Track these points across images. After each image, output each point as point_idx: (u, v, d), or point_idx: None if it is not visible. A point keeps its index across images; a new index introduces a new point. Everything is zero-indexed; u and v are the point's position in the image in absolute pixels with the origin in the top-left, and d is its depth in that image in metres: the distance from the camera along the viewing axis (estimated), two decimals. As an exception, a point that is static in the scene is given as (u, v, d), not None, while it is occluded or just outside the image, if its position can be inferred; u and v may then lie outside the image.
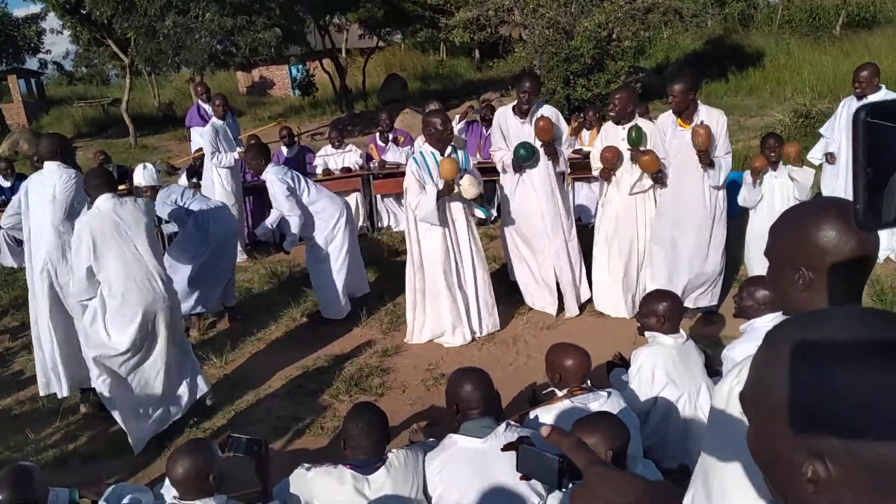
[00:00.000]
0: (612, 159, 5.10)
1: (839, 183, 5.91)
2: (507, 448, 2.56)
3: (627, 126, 5.12)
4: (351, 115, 17.86)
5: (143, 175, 5.75)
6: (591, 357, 3.08)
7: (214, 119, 7.53)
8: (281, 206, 5.50)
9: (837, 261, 1.32)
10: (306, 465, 2.78)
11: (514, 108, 5.43)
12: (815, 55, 17.34)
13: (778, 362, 0.79)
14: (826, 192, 6.11)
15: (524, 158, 5.26)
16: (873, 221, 0.68)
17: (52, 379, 4.57)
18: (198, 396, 4.46)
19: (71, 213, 4.37)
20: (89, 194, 4.16)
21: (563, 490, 2.44)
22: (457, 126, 8.76)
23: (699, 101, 4.94)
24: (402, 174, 8.37)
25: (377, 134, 9.11)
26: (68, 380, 4.57)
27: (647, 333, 3.56)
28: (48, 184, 4.36)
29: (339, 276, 5.73)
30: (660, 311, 3.47)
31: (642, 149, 4.98)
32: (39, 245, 4.44)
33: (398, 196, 8.73)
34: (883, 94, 5.64)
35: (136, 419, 4.18)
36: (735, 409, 1.36)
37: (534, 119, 5.30)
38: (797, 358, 0.77)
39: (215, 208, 5.77)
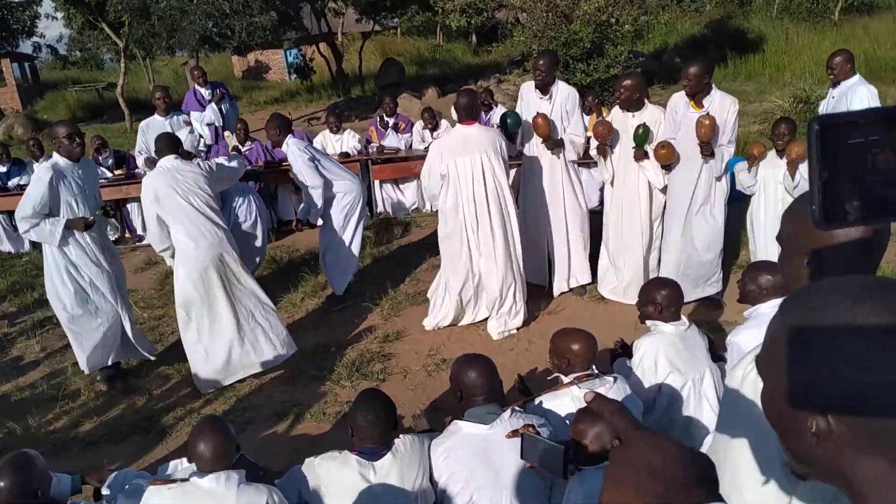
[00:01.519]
0: (604, 133, 5.12)
1: None
2: (512, 435, 2.57)
3: (636, 113, 5.11)
4: (348, 99, 17.77)
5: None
6: (597, 341, 3.07)
7: (156, 115, 6.96)
8: (304, 177, 5.46)
9: (846, 246, 1.32)
10: (316, 457, 2.78)
11: (535, 84, 5.46)
12: (815, 40, 17.28)
13: (784, 334, 0.85)
14: None
15: (511, 126, 5.43)
16: (828, 222, 0.75)
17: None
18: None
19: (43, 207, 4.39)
20: (158, 155, 4.71)
21: (568, 478, 2.44)
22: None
23: (713, 86, 4.91)
24: (402, 160, 8.41)
25: (378, 118, 9.04)
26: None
27: (647, 322, 3.54)
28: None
29: (353, 252, 5.76)
30: (658, 299, 3.43)
31: (659, 141, 4.93)
32: None
33: (396, 182, 8.70)
34: (857, 80, 5.66)
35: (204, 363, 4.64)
36: (748, 393, 1.35)
37: (552, 98, 5.37)
38: (801, 333, 0.83)
39: None
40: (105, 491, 2.80)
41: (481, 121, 8.55)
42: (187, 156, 4.94)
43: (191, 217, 4.49)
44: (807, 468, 0.86)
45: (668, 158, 4.91)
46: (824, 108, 5.92)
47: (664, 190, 5.24)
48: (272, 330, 4.74)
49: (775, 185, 5.21)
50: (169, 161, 4.58)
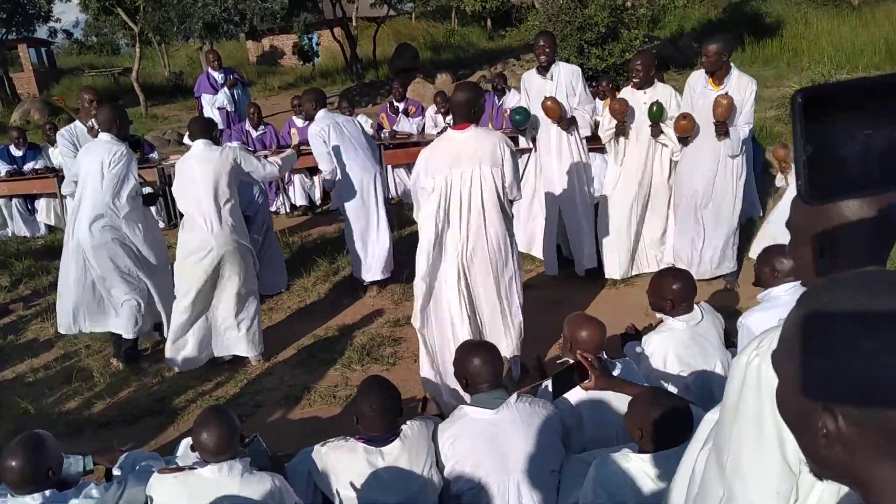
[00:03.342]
0: (620, 111, 5.10)
1: None
2: (579, 362, 2.54)
3: (648, 90, 5.13)
4: (361, 84, 17.73)
5: None
6: (606, 328, 3.05)
7: (77, 124, 5.43)
8: (317, 158, 5.55)
9: (852, 230, 1.30)
10: (323, 446, 2.79)
11: (536, 69, 5.46)
12: (834, 25, 17.01)
13: (798, 329, 0.84)
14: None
15: (519, 123, 5.35)
16: (816, 197, 0.73)
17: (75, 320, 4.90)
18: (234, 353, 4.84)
19: (121, 188, 4.62)
20: (191, 138, 4.67)
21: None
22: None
23: (732, 65, 4.89)
24: (414, 144, 8.38)
25: (388, 103, 9.02)
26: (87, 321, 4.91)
27: (658, 315, 3.48)
28: (98, 154, 4.60)
29: (366, 238, 5.71)
30: (669, 295, 3.32)
31: (681, 112, 4.95)
32: (84, 210, 4.64)
33: (409, 167, 8.67)
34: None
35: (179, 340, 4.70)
36: (751, 382, 1.33)
37: (554, 78, 5.31)
38: (815, 326, 0.82)
39: None
40: (116, 472, 2.83)
41: (494, 106, 8.51)
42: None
43: (199, 202, 4.47)
44: (821, 469, 0.83)
45: (688, 130, 4.90)
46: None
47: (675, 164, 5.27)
48: (246, 330, 4.76)
49: None
50: (198, 146, 4.59)
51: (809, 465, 0.88)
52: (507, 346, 4.05)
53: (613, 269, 5.57)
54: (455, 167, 3.76)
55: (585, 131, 5.46)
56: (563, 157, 5.43)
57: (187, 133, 7.48)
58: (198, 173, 4.48)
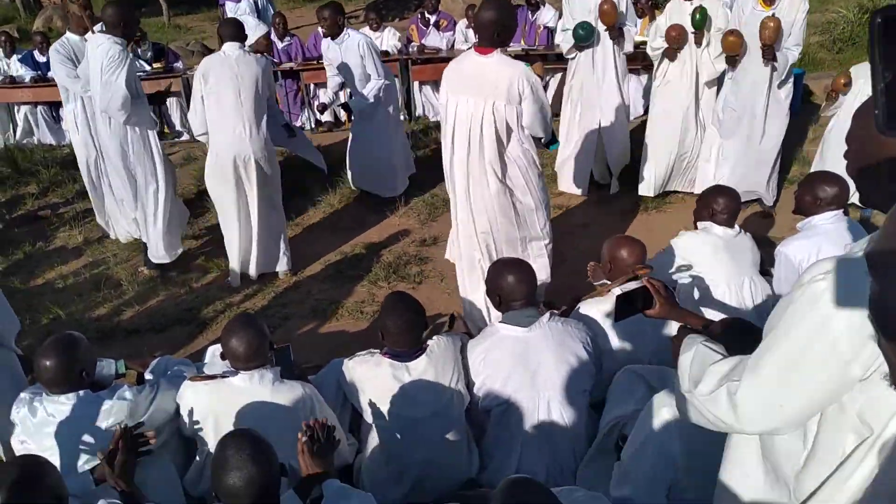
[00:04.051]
0: (677, 38, 4.93)
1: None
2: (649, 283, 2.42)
3: (693, 5, 4.90)
4: (388, -2, 17.26)
5: (253, 28, 5.76)
6: (646, 248, 3.00)
7: (69, 36, 5.04)
8: (373, 69, 5.40)
9: None
10: (349, 359, 2.80)
11: None
12: (885, -55, 16.22)
13: None
14: None
15: (583, 39, 5.13)
16: (893, 126, 0.65)
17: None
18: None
19: (118, 93, 4.33)
20: (221, 39, 4.47)
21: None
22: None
23: None
24: (443, 60, 8.15)
25: (419, 15, 8.74)
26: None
27: (699, 224, 3.47)
28: (97, 55, 4.31)
29: (389, 149, 5.73)
30: (713, 205, 3.38)
31: (729, 28, 4.73)
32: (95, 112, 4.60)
33: (436, 84, 8.47)
34: None
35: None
36: (811, 302, 1.28)
37: None
38: None
39: None
40: (148, 376, 2.87)
41: (527, 21, 8.22)
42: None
43: (230, 107, 4.31)
44: None
45: (736, 47, 4.67)
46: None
47: (710, 83, 5.11)
48: (267, 243, 4.70)
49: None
50: (232, 48, 4.35)
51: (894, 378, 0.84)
52: None
53: (648, 187, 5.48)
54: (469, 94, 3.41)
55: (629, 46, 5.27)
56: (607, 75, 5.27)
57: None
58: (239, 76, 4.29)
